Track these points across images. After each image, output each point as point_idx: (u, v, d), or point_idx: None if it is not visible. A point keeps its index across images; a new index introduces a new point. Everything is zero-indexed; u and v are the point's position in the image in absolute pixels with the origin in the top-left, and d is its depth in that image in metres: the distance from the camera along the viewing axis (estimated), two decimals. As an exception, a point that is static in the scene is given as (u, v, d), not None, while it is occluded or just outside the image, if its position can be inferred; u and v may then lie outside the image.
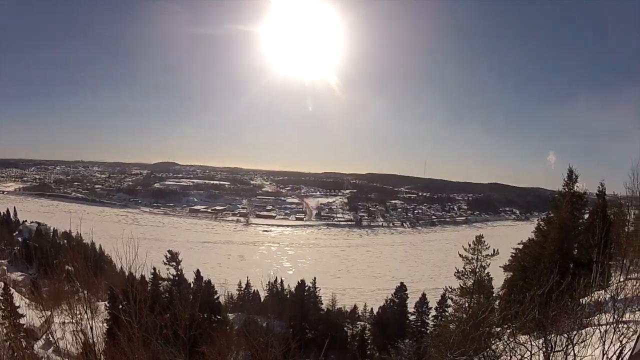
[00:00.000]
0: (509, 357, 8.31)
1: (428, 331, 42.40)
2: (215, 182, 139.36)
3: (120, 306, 15.53)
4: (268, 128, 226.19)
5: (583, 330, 7.33)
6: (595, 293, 12.82)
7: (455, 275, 36.24)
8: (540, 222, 41.71)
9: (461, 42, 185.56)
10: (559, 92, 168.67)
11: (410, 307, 46.61)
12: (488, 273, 36.24)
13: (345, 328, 45.77)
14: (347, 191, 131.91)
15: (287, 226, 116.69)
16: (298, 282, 48.36)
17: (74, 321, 11.26)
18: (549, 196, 49.28)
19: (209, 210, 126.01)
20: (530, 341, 7.63)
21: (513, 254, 40.39)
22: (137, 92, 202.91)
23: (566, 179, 38.66)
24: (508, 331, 9.79)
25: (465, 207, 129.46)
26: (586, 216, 37.44)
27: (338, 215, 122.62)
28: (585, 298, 12.35)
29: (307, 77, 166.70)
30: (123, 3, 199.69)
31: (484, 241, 36.88)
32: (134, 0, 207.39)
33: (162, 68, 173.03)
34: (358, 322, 49.31)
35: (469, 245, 36.75)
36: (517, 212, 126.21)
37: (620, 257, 29.18)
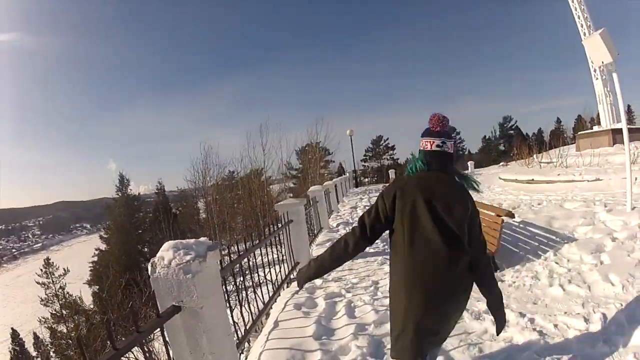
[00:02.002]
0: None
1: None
2: None
3: None
4: None
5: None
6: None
7: (41, 304, 34.57)
8: (101, 231, 43.97)
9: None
10: (118, 100, 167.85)
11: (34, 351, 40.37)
12: (68, 292, 35.07)
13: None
14: None
15: None
16: None
17: None
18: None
19: None
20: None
21: (91, 268, 41.54)
22: None
23: (118, 185, 42.36)
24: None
25: (39, 232, 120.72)
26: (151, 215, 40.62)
27: None
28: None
29: None
30: None
31: (53, 263, 35.91)
32: None
33: None
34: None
35: (41, 270, 35.56)
36: (88, 226, 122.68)
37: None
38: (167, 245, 2.69)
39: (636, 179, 10.12)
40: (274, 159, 33.90)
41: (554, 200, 10.54)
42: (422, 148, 2.62)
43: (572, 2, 18.93)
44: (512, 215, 6.41)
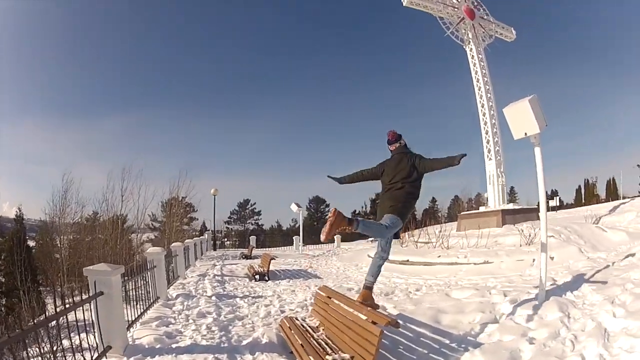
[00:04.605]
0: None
1: None
2: None
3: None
4: None
5: None
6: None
7: None
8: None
9: None
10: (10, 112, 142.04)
11: None
12: None
13: None
14: None
15: None
16: None
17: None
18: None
19: None
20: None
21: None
22: None
23: (-24, 202, 36.54)
24: None
25: None
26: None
27: None
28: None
29: None
30: None
31: None
32: None
33: None
34: None
35: None
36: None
37: (52, 284, 29.22)
38: None
39: (534, 260, 9.02)
40: (132, 208, 32.46)
41: (435, 286, 8.96)
42: (390, 150, 5.81)
43: (476, 73, 19.57)
44: (396, 325, 4.26)
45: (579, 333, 4.53)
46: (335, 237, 29.40)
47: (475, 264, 10.76)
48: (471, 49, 19.96)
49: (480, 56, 19.86)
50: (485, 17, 21.09)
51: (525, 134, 6.07)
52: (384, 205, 5.39)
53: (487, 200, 19.38)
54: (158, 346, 5.37)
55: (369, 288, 5.52)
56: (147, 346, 5.33)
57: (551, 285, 6.76)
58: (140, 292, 7.08)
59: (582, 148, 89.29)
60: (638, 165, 56.22)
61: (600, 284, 6.31)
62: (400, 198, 5.31)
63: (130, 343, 5.36)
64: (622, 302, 5.09)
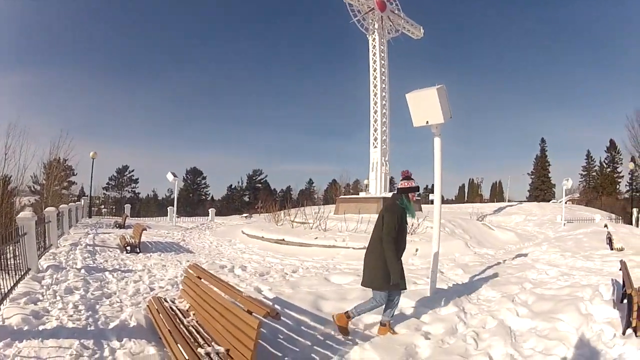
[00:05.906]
0: None
1: None
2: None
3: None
4: None
5: None
6: None
7: None
8: None
9: None
10: None
11: None
12: None
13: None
14: None
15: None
16: None
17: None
18: None
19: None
20: None
21: None
22: None
23: None
24: None
25: None
26: None
27: None
28: None
29: None
30: None
31: None
32: None
33: None
34: None
35: None
36: None
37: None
38: None
39: (417, 250, 8.91)
40: (13, 168, 28.08)
41: (312, 269, 8.71)
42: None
43: (374, 63, 19.68)
44: (277, 317, 3.56)
45: (480, 330, 4.31)
46: (210, 210, 28.69)
47: (354, 248, 10.65)
48: (374, 39, 20.05)
49: (382, 47, 20.06)
50: (397, 11, 21.37)
51: (427, 122, 5.84)
52: (370, 259, 4.64)
53: (368, 186, 19.66)
54: (25, 328, 4.77)
55: (349, 317, 4.58)
56: (15, 327, 4.73)
57: (440, 277, 6.62)
58: (13, 262, 6.64)
59: (472, 150, 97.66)
60: (527, 174, 62.60)
61: (494, 280, 6.35)
62: (375, 260, 4.54)
63: (0, 324, 4.77)
64: (524, 301, 5.06)
